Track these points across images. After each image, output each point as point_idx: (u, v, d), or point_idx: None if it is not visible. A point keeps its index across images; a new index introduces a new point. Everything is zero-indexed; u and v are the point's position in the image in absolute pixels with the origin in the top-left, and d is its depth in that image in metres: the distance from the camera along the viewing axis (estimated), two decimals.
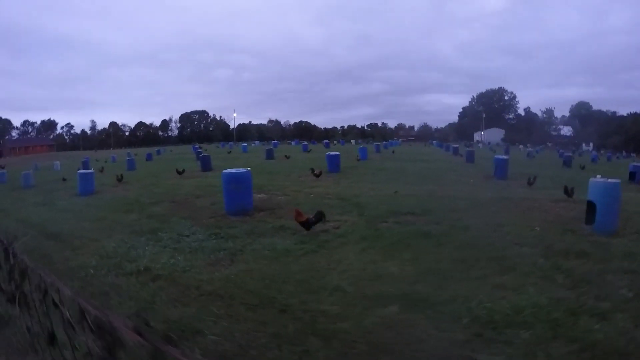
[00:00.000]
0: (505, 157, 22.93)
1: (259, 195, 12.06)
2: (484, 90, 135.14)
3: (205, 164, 25.01)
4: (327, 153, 22.75)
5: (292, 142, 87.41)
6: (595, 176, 8.83)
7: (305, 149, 48.04)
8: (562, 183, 15.77)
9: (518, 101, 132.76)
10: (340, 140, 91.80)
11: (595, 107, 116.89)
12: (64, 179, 22.22)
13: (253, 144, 78.45)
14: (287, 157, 33.49)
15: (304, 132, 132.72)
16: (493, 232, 8.00)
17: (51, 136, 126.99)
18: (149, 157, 43.26)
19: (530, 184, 16.50)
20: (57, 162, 42.42)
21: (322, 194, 13.41)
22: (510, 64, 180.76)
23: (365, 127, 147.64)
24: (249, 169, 10.78)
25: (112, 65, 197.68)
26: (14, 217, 11.52)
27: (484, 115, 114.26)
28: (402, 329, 3.95)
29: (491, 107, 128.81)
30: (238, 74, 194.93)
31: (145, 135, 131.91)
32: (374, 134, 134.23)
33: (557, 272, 5.56)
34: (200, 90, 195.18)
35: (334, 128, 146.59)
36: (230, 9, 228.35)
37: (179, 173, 21.66)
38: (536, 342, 3.65)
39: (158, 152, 54.54)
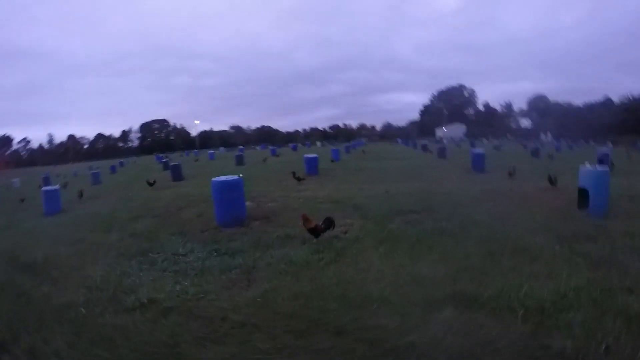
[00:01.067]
0: (481, 151, 23.00)
1: (247, 203, 11.16)
2: (444, 88, 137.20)
3: (176, 174, 23.76)
4: (305, 155, 22.14)
5: (258, 147, 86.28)
6: (584, 164, 9.44)
7: (274, 153, 47.10)
8: (537, 173, 17.05)
9: (477, 97, 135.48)
10: (307, 142, 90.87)
11: (550, 99, 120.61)
12: (22, 200, 20.38)
13: (218, 151, 76.79)
14: (265, 160, 32.79)
15: (267, 136, 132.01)
16: (502, 224, 8.03)
17: (7, 152, 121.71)
18: (113, 170, 41.36)
19: (511, 175, 16.55)
20: (16, 179, 39.88)
21: (312, 197, 12.79)
22: (467, 62, 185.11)
23: (328, 129, 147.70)
24: (241, 175, 9.99)
25: (68, 75, 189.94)
26: None
27: (445, 112, 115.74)
28: (470, 331, 3.80)
29: (451, 103, 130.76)
30: (198, 81, 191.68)
31: (105, 147, 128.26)
32: (337, 135, 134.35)
33: (576, 256, 5.79)
34: (160, 98, 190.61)
35: (297, 131, 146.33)
36: (188, 15, 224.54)
37: (150, 184, 20.25)
38: (590, 321, 3.84)
39: (121, 164, 52.07)
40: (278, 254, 6.68)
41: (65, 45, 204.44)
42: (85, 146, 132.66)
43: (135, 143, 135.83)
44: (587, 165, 9.23)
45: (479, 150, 23.79)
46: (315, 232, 7.28)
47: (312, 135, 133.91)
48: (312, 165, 20.72)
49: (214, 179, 9.63)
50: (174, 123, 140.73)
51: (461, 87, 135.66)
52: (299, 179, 16.87)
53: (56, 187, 16.03)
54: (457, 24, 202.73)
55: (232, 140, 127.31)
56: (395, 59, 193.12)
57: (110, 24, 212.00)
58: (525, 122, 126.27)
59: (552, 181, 12.75)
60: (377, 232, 7.76)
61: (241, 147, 76.12)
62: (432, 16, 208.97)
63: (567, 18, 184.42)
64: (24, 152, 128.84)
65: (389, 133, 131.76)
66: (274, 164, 29.98)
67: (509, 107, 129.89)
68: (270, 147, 61.33)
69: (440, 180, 16.69)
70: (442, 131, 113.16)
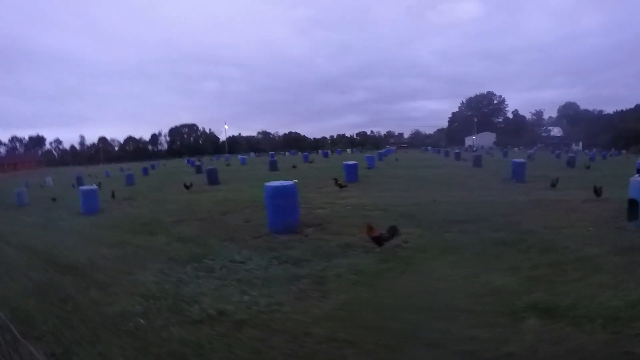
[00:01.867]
0: (522, 160, 22.26)
1: None
2: (472, 95, 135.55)
3: (212, 178, 23.32)
4: (345, 162, 21.51)
5: (287, 153, 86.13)
6: (635, 176, 9.37)
7: (307, 160, 46.60)
8: (577, 183, 17.40)
9: (507, 105, 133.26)
10: (337, 150, 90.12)
11: (580, 106, 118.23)
12: (54, 199, 20.19)
13: (249, 156, 76.88)
14: (294, 167, 32.65)
15: (294, 142, 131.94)
16: (557, 234, 7.91)
17: (40, 152, 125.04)
18: (145, 172, 41.46)
19: (553, 185, 16.04)
20: (49, 178, 40.31)
21: (358, 205, 12.30)
22: (491, 69, 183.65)
23: (355, 136, 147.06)
24: (296, 181, 9.54)
25: (100, 80, 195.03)
26: (14, 242, 9.83)
27: (475, 120, 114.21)
28: (558, 340, 3.75)
29: (481, 111, 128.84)
30: (225, 87, 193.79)
31: (135, 150, 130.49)
32: (364, 142, 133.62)
33: (637, 267, 5.67)
34: (188, 103, 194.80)
35: (324, 138, 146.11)
36: (214, 23, 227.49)
37: (187, 187, 19.92)
38: None
39: (152, 167, 52.47)
40: (344, 264, 6.28)
41: (98, 52, 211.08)
42: (116, 148, 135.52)
43: (165, 146, 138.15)
44: (637, 177, 9.14)
45: (519, 159, 23.00)
46: (379, 241, 6.98)
47: (339, 142, 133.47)
48: (352, 173, 20.15)
49: (266, 183, 9.23)
50: (203, 128, 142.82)
51: (490, 95, 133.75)
52: (340, 186, 16.35)
53: (94, 187, 15.76)
54: (478, 30, 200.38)
55: (260, 145, 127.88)
56: (419, 66, 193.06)
57: (141, 32, 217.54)
58: (555, 131, 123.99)
59: (597, 192, 12.69)
60: (437, 242, 7.53)
61: (271, 152, 75.98)
62: (453, 23, 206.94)
63: (590, 24, 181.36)
64: (56, 152, 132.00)
65: (417, 141, 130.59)
66: (308, 171, 29.47)
67: (539, 115, 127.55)
68: (303, 154, 61.32)
69: (483, 190, 16.28)
70: (472, 139, 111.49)
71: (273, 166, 33.28)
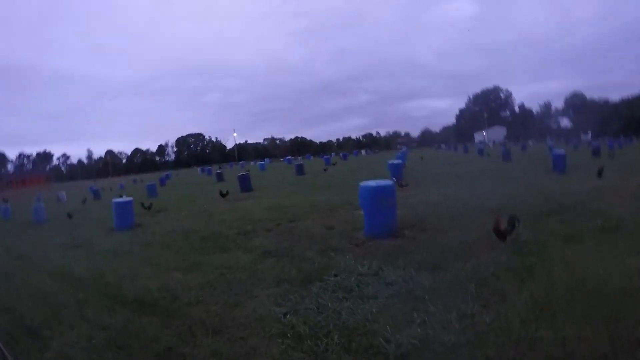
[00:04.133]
0: (562, 152, 21.96)
1: None
2: (479, 91, 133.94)
3: (245, 185, 22.13)
4: (389, 162, 20.87)
5: (300, 157, 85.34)
6: None
7: (328, 163, 45.52)
8: (614, 171, 17.20)
9: (514, 99, 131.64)
10: (354, 151, 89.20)
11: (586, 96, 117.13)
12: (70, 215, 18.30)
13: (265, 162, 76.42)
14: (326, 170, 32.61)
15: (301, 147, 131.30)
16: None
17: (47, 168, 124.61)
18: (162, 182, 40.52)
19: (600, 174, 15.50)
20: (63, 192, 39.06)
21: (430, 202, 11.64)
22: (490, 64, 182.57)
23: (360, 138, 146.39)
24: (394, 179, 8.44)
25: (106, 96, 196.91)
26: (47, 269, 8.12)
27: (485, 115, 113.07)
28: None
29: (488, 106, 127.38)
30: (228, 98, 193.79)
31: (142, 161, 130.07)
32: (372, 143, 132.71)
33: None
34: (193, 116, 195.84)
35: (329, 141, 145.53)
36: (215, 37, 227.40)
37: (223, 195, 18.67)
38: None
39: (167, 177, 51.42)
40: (487, 263, 5.73)
41: (104, 71, 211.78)
42: (123, 161, 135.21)
43: (172, 157, 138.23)
44: None
45: (560, 151, 23.09)
46: (504, 235, 6.65)
47: (346, 145, 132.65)
48: (397, 172, 19.27)
49: (362, 184, 8.35)
50: (209, 137, 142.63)
51: (497, 89, 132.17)
52: (401, 186, 15.27)
53: (129, 199, 14.37)
54: (474, 28, 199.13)
55: (268, 152, 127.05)
56: (418, 66, 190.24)
57: (142, 49, 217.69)
58: (563, 122, 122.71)
59: None
60: (548, 233, 7.17)
61: (288, 157, 75.35)
62: (449, 21, 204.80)
63: (582, 14, 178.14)
64: (63, 167, 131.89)
65: (428, 139, 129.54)
66: (339, 173, 28.33)
67: (547, 106, 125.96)
68: (325, 157, 61.79)
69: (535, 182, 15.66)
70: (482, 135, 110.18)
71: (299, 170, 32.32)
